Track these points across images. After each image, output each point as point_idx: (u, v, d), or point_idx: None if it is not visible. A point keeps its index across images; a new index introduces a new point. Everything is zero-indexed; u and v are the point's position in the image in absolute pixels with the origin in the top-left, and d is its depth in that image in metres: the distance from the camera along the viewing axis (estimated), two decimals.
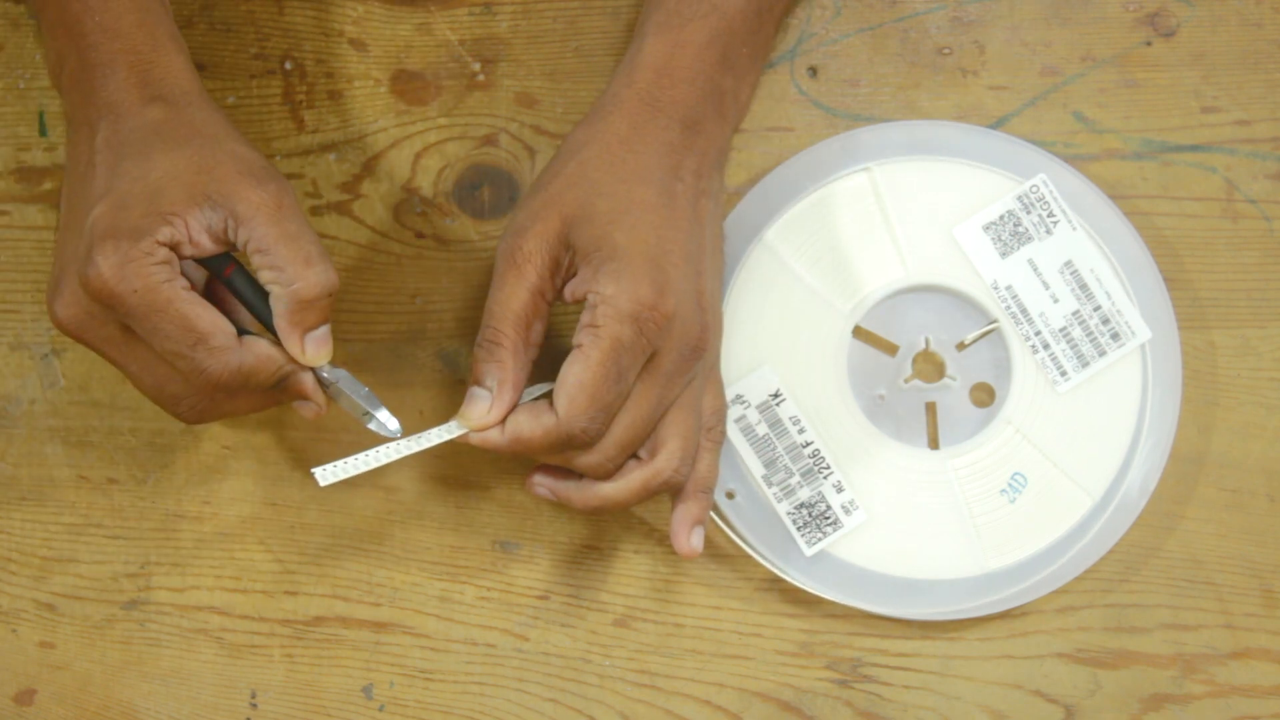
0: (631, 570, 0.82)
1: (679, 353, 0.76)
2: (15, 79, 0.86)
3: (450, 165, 0.85)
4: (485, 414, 0.75)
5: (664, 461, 0.77)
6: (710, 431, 0.79)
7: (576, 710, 0.82)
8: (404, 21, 0.86)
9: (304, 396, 0.76)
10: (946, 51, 0.85)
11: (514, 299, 0.75)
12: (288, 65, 0.86)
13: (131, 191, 0.73)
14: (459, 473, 0.83)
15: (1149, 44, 0.85)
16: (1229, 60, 0.85)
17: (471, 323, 0.84)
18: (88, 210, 0.74)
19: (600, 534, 0.83)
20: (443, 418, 0.82)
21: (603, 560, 0.83)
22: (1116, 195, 0.84)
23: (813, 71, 0.85)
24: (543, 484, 0.79)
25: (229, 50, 0.85)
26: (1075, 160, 0.84)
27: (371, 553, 0.82)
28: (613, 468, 0.77)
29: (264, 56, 0.86)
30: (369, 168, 0.85)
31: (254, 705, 0.82)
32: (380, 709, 0.82)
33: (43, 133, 0.85)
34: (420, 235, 0.85)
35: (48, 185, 0.85)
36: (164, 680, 0.82)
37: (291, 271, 0.73)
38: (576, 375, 0.74)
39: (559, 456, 0.76)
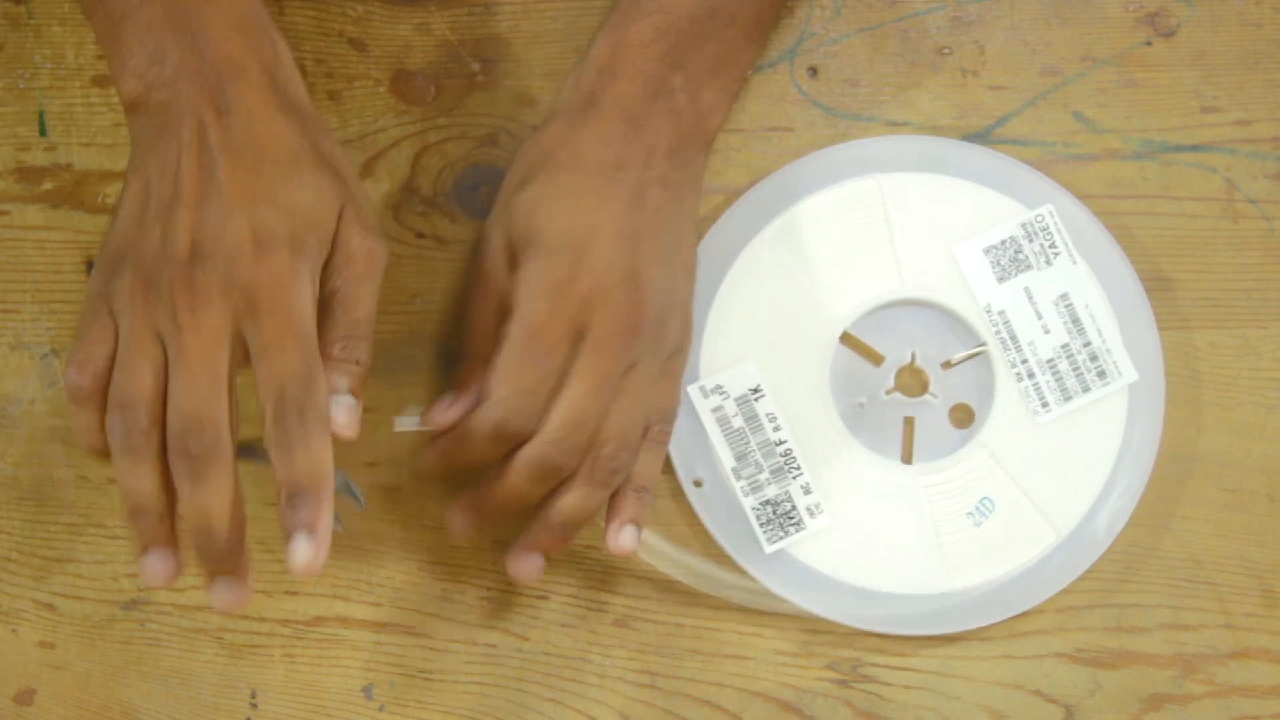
0: (631, 570, 0.83)
1: (608, 328, 0.75)
2: (15, 79, 0.86)
3: (450, 165, 0.85)
4: (443, 411, 0.77)
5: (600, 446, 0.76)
6: (650, 430, 0.78)
7: (577, 710, 0.82)
8: (404, 21, 0.86)
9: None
10: (946, 51, 0.85)
11: (482, 317, 0.78)
12: None
13: (290, 213, 0.72)
14: (459, 473, 0.83)
15: (1149, 44, 0.85)
16: (1229, 60, 0.85)
17: None
18: (233, 198, 0.72)
19: (600, 534, 0.83)
20: None
21: (603, 560, 0.83)
22: (1116, 195, 0.84)
23: (812, 71, 0.85)
24: (459, 517, 0.78)
25: None
26: (1075, 160, 0.84)
27: (371, 553, 0.83)
28: (560, 455, 0.75)
29: None
30: (369, 168, 0.85)
31: (254, 705, 0.82)
32: (380, 709, 0.82)
33: (43, 133, 0.85)
34: (420, 235, 0.85)
35: (47, 185, 0.85)
36: (164, 680, 0.82)
37: (335, 332, 0.74)
38: (497, 358, 0.75)
39: (498, 448, 0.76)
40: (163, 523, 0.71)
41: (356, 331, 0.75)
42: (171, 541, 0.72)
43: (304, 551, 0.70)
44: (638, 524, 0.78)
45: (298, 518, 0.70)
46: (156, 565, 0.71)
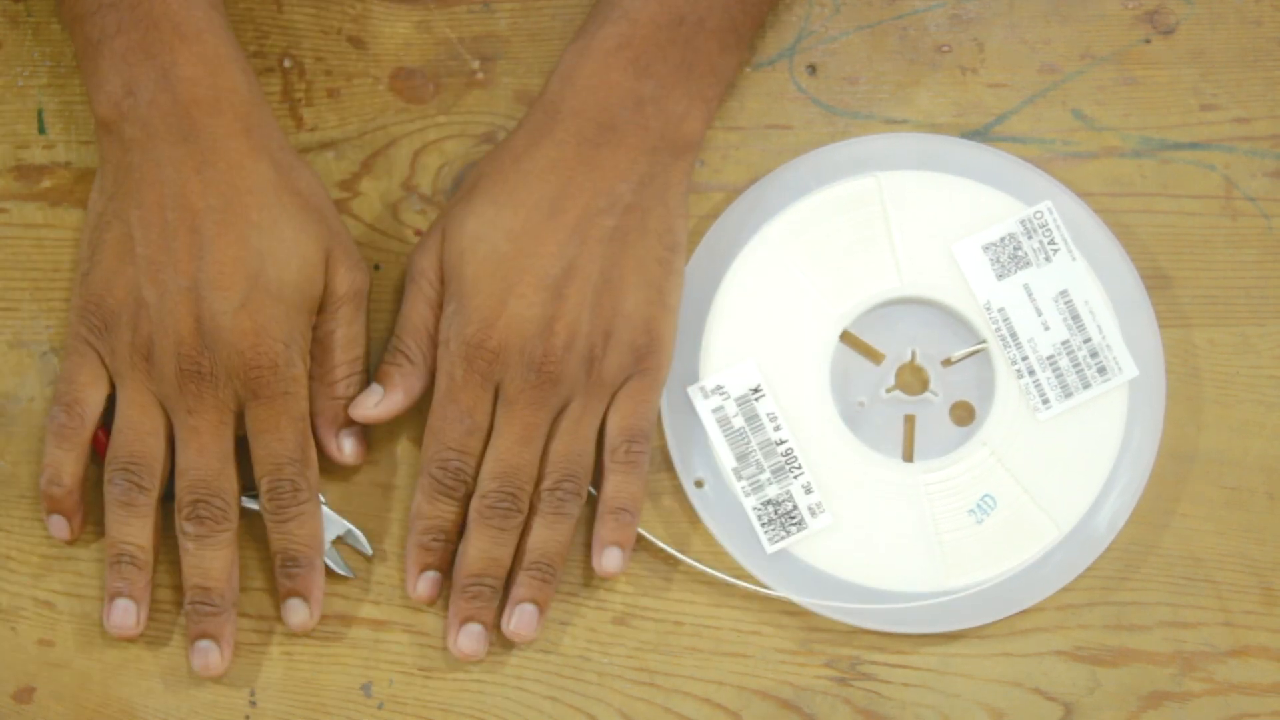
0: (630, 568, 0.82)
1: (520, 384, 0.78)
2: (14, 76, 0.86)
3: (449, 163, 0.85)
4: (371, 408, 0.80)
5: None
6: (615, 452, 0.79)
7: (576, 708, 0.82)
8: (403, 19, 0.86)
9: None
10: (945, 49, 0.85)
11: (412, 312, 0.80)
12: (286, 63, 0.86)
13: (280, 298, 0.77)
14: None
15: (1148, 41, 0.85)
16: (1228, 58, 0.85)
17: None
18: (224, 264, 0.76)
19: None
20: None
21: None
22: (1115, 193, 0.84)
23: (811, 69, 0.85)
24: (459, 636, 0.80)
25: None
26: (1074, 158, 0.84)
27: (371, 550, 0.82)
28: (500, 503, 0.78)
29: (263, 54, 0.86)
30: (368, 165, 0.85)
31: (253, 703, 0.82)
32: (379, 706, 0.82)
33: (41, 130, 0.85)
34: (419, 233, 0.85)
35: (46, 183, 0.85)
36: (163, 678, 0.82)
37: (335, 374, 0.80)
38: (428, 419, 0.79)
39: (447, 508, 0.79)
40: (142, 574, 0.79)
41: (357, 368, 0.81)
42: (144, 596, 0.79)
43: (299, 614, 0.80)
44: (620, 545, 0.80)
45: (293, 585, 0.79)
46: (125, 616, 0.79)
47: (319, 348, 0.80)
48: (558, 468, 0.79)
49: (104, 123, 0.79)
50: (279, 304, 0.77)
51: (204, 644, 0.79)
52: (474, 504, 0.79)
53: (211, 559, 0.78)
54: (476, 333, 0.77)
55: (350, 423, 0.81)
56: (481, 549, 0.79)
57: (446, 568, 0.80)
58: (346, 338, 0.80)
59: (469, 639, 0.79)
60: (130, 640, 0.81)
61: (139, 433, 0.78)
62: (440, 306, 0.80)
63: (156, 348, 0.77)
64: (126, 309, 0.78)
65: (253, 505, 0.80)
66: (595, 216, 0.78)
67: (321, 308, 0.80)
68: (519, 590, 0.79)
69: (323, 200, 0.80)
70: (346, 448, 0.81)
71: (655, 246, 0.79)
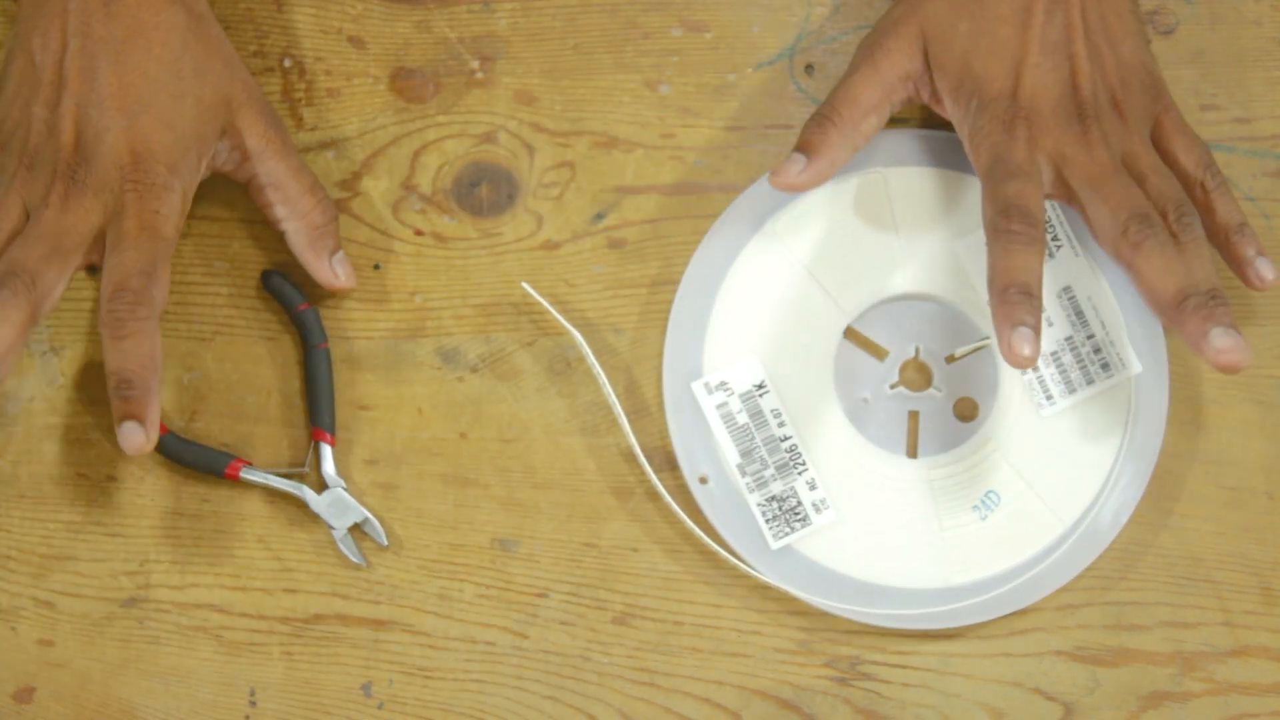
0: (631, 568, 0.82)
1: (1069, 131, 0.78)
2: None
3: (449, 163, 0.85)
4: (796, 175, 0.80)
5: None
6: (1199, 181, 0.80)
7: (576, 708, 0.82)
8: (403, 19, 0.86)
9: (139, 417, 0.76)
10: None
11: (861, 87, 0.80)
12: (286, 63, 0.86)
13: (171, 127, 0.77)
14: (458, 470, 0.83)
15: (1148, 42, 0.85)
16: (1228, 58, 0.85)
17: (471, 320, 0.84)
18: (107, 90, 0.77)
19: (599, 532, 0.83)
20: (443, 414, 0.83)
21: (602, 558, 0.83)
22: None
23: (810, 69, 0.86)
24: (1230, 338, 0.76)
25: None
26: None
27: (370, 550, 0.82)
28: (1150, 232, 0.76)
29: (263, 54, 0.86)
30: (368, 165, 0.85)
31: (253, 703, 0.82)
32: (379, 706, 0.82)
33: None
34: (419, 233, 0.85)
35: None
36: (163, 678, 0.82)
37: (304, 204, 0.81)
38: (983, 196, 0.78)
39: (1028, 263, 0.76)
40: None
41: (319, 193, 0.82)
42: None
43: (135, 438, 0.75)
44: (1261, 254, 0.79)
45: (127, 408, 0.75)
46: None
47: (270, 190, 0.81)
48: (1168, 200, 0.78)
49: None
50: (169, 132, 0.78)
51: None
52: (1120, 240, 0.77)
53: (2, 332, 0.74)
54: (1007, 108, 0.78)
55: (337, 248, 0.82)
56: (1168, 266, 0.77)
57: (1038, 324, 0.76)
58: (291, 169, 0.81)
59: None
60: None
61: None
62: (890, 91, 0.80)
63: (40, 158, 0.77)
64: (21, 127, 0.78)
65: (260, 480, 0.81)
66: None
67: (246, 156, 0.80)
68: (1215, 313, 0.76)
69: (231, 54, 0.81)
70: (340, 271, 0.82)
71: None
